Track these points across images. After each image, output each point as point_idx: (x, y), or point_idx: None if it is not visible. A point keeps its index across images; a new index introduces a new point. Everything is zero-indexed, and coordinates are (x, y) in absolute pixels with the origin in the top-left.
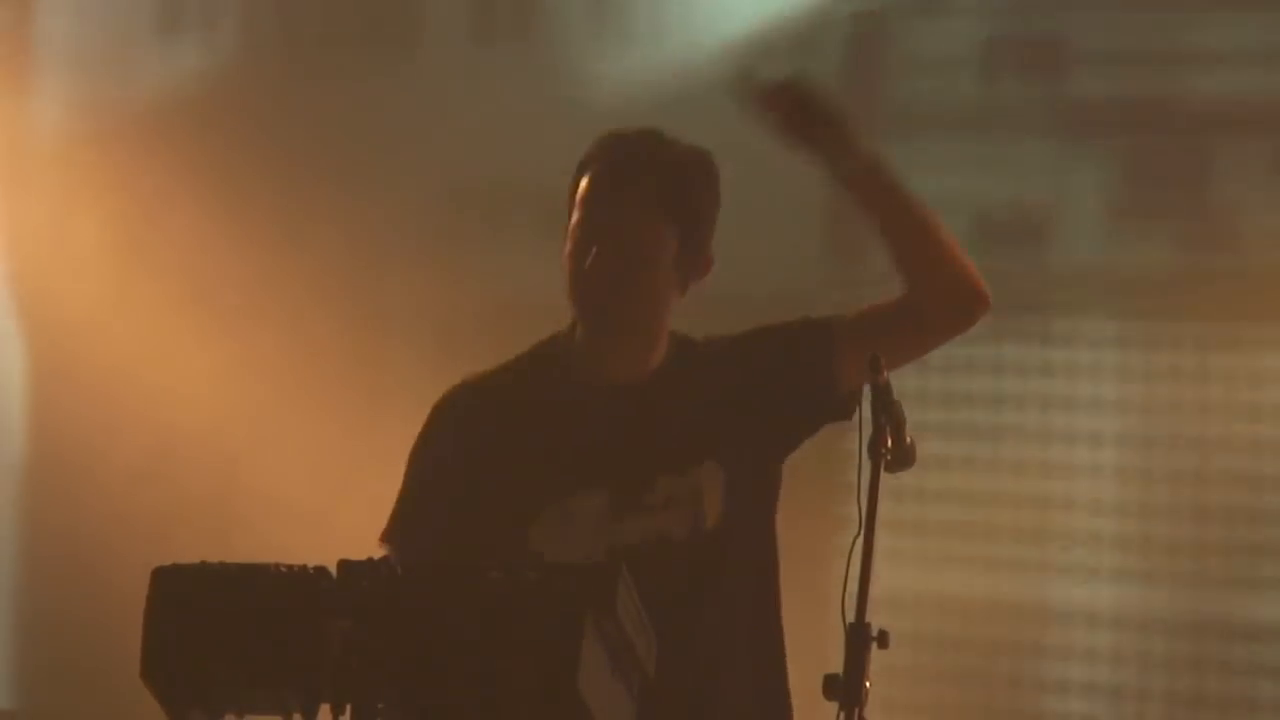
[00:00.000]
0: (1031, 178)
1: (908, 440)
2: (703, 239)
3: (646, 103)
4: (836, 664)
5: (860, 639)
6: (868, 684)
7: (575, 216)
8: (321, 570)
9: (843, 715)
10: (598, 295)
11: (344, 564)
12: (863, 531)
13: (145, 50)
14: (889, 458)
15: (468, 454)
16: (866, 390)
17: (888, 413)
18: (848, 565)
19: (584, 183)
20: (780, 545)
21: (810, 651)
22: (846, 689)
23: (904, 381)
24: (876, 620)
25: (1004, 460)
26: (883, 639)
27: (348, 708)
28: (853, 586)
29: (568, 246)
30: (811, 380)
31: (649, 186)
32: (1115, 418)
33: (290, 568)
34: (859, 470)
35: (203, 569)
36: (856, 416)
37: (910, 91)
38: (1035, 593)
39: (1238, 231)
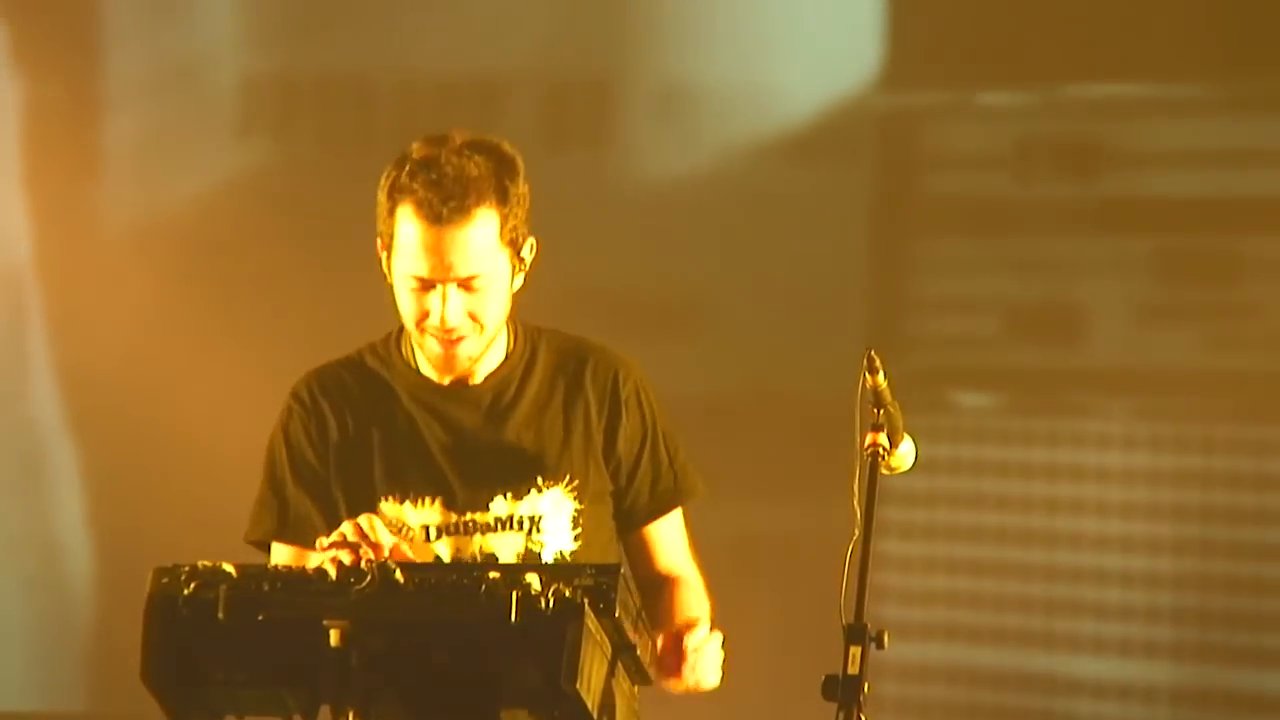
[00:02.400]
0: (1062, 277)
1: (903, 441)
2: (524, 236)
3: (709, 203)
4: (835, 664)
5: (858, 639)
6: (866, 685)
7: (402, 261)
8: (320, 572)
9: (842, 716)
10: (447, 355)
11: (342, 566)
12: (860, 532)
13: (218, 147)
14: (885, 458)
15: (313, 449)
16: (863, 390)
17: (884, 414)
18: (845, 566)
19: (404, 221)
20: (779, 544)
21: (810, 652)
22: (845, 689)
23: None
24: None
25: (1011, 530)
26: (880, 639)
27: (348, 709)
28: (852, 588)
29: (400, 290)
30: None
31: (478, 221)
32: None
33: (289, 569)
34: (857, 471)
35: (202, 571)
36: (855, 417)
37: (943, 190)
38: (1042, 663)
39: (1267, 332)
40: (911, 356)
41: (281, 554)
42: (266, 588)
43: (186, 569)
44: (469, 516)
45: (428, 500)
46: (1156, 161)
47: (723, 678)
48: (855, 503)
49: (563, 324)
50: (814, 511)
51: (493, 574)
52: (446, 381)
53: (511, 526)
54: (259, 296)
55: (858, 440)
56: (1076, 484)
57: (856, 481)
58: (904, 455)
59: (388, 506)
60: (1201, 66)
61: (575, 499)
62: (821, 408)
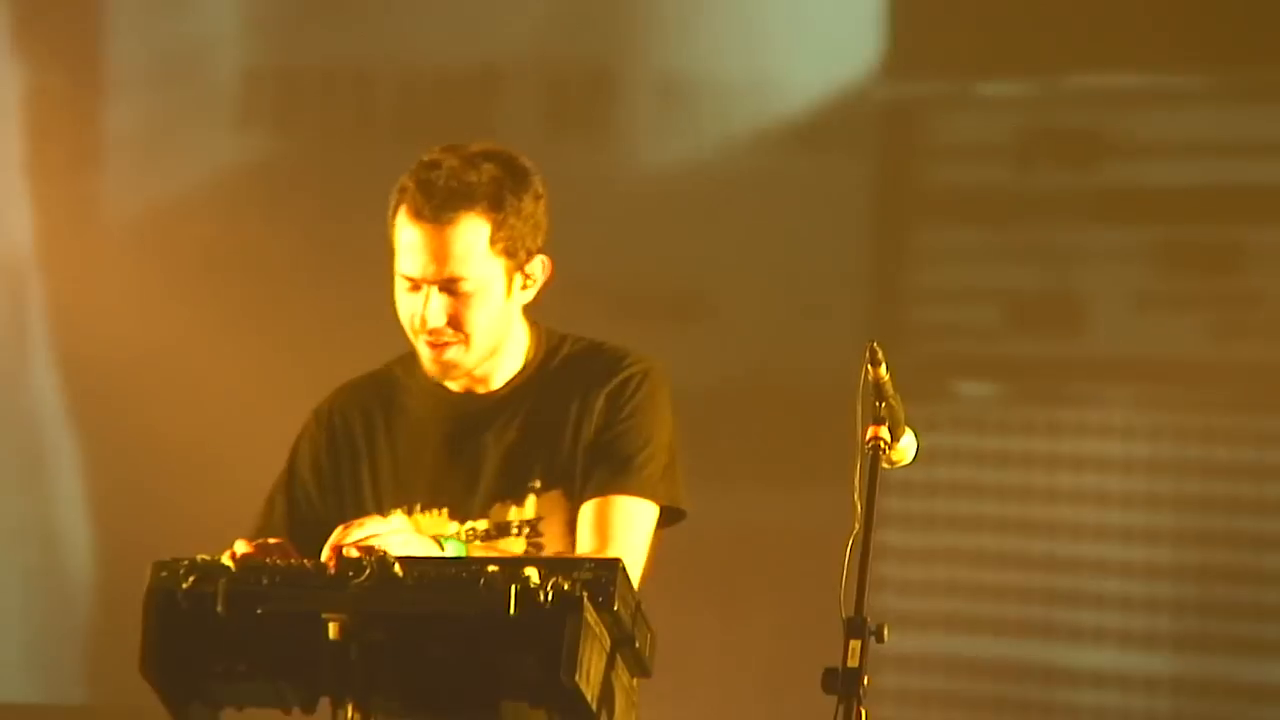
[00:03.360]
0: (1063, 266)
1: (904, 434)
2: (530, 251)
3: (710, 192)
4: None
5: (858, 632)
6: (866, 678)
7: (398, 261)
8: (319, 565)
9: (841, 709)
10: (435, 359)
11: (341, 559)
12: (861, 527)
13: (219, 137)
14: (887, 452)
15: (331, 461)
16: (864, 382)
17: (885, 407)
18: (846, 559)
19: (401, 222)
20: (779, 536)
21: (809, 645)
22: (845, 682)
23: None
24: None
25: (1011, 520)
26: (880, 633)
27: (347, 702)
28: (852, 581)
29: (397, 291)
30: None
31: (464, 224)
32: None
33: (288, 562)
34: (857, 464)
35: (201, 564)
36: (856, 408)
37: (943, 180)
38: (1042, 653)
39: (1268, 322)
40: (912, 346)
41: None
42: (265, 581)
43: (186, 562)
44: (471, 524)
45: (434, 510)
46: (1157, 151)
47: (722, 670)
48: (856, 495)
49: (560, 314)
50: (814, 503)
51: (491, 567)
52: (462, 389)
53: (511, 532)
54: (259, 287)
55: (859, 433)
56: (1077, 474)
57: (857, 474)
58: (905, 449)
59: (396, 518)
60: (1202, 56)
61: (574, 501)
62: (822, 398)
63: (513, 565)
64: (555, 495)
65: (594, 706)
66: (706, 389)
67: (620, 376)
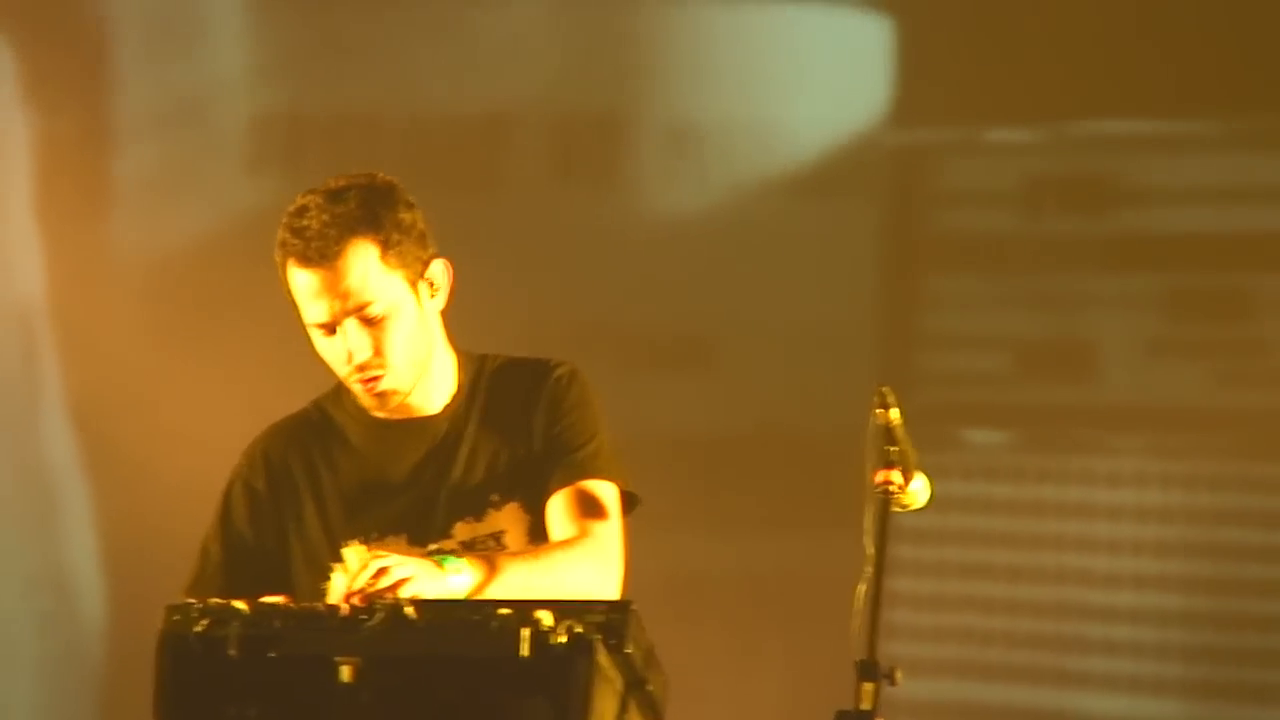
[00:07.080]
0: (1072, 313)
1: (915, 478)
2: (423, 259)
3: (718, 239)
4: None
5: (871, 675)
6: None
7: (304, 313)
8: (331, 608)
9: None
10: (370, 393)
11: (353, 604)
12: (873, 569)
13: (229, 182)
14: (898, 495)
15: (272, 500)
16: (874, 426)
17: (896, 451)
18: (858, 603)
19: (293, 274)
20: (790, 581)
21: (822, 689)
22: None
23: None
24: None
25: (1022, 568)
26: (892, 676)
27: None
28: (864, 625)
29: (315, 342)
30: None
31: (352, 254)
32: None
33: (300, 606)
34: (869, 507)
35: (214, 608)
36: (865, 453)
37: (953, 226)
38: (1053, 700)
39: (1278, 369)
40: (921, 393)
41: None
42: (278, 625)
43: (198, 606)
44: (434, 546)
45: (390, 538)
46: (1166, 198)
47: (735, 714)
48: (866, 539)
49: (570, 358)
50: (825, 548)
51: (503, 610)
52: (401, 416)
53: (477, 548)
54: (270, 333)
55: (868, 477)
56: (1087, 521)
57: (867, 518)
58: (917, 492)
59: (351, 551)
60: (1210, 103)
61: (530, 511)
62: (831, 444)
63: (525, 608)
64: (513, 507)
65: None
66: (717, 434)
67: (552, 378)
